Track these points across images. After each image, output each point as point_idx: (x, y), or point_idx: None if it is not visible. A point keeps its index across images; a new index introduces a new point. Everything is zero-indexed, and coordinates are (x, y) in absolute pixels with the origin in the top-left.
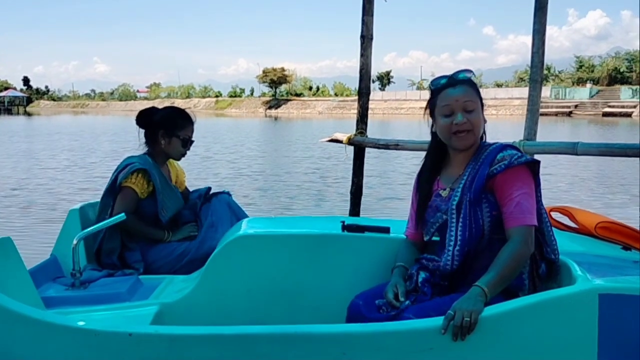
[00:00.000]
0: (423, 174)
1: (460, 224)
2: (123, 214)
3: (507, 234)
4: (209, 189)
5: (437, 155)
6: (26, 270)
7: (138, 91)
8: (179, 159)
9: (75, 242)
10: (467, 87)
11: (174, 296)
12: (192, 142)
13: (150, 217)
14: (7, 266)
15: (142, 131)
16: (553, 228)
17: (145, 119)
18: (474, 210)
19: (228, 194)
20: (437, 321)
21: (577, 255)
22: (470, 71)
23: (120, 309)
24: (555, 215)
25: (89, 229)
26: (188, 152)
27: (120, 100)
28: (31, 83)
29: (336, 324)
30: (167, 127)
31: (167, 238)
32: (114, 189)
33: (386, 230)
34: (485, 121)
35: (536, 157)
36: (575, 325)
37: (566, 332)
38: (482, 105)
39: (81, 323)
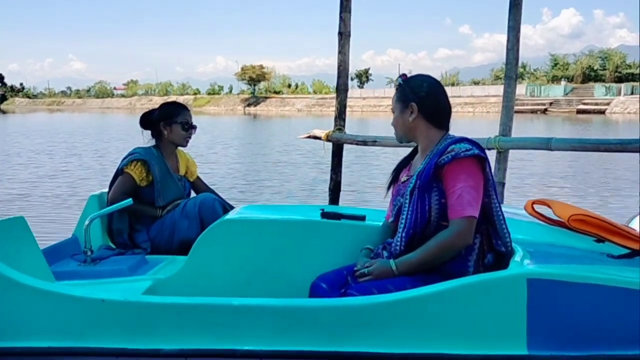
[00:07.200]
0: (399, 163)
1: (410, 208)
2: (130, 199)
3: (449, 224)
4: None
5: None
6: (38, 246)
7: (115, 88)
8: (184, 145)
9: (87, 222)
10: (396, 93)
11: (166, 273)
12: (194, 126)
13: (150, 204)
14: (20, 243)
15: (147, 132)
16: (535, 219)
17: (146, 119)
18: (422, 196)
19: (219, 200)
20: (374, 299)
21: (547, 246)
22: (401, 76)
23: (119, 282)
24: (539, 208)
25: (99, 212)
26: (192, 136)
27: (97, 97)
28: (5, 80)
29: (282, 299)
30: (165, 118)
31: (160, 214)
32: (116, 174)
33: (362, 218)
34: (409, 122)
35: (512, 152)
36: (505, 308)
37: (496, 314)
38: (408, 107)
39: (64, 290)
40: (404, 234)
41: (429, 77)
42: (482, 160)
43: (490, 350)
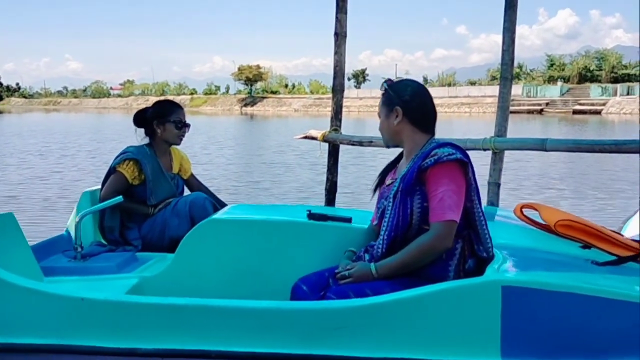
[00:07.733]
0: (385, 166)
1: (392, 211)
2: (120, 196)
3: (430, 228)
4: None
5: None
6: (26, 242)
7: (111, 88)
8: (178, 143)
9: (77, 219)
10: (381, 97)
11: (154, 271)
12: (187, 125)
13: (142, 202)
14: (8, 239)
15: (141, 130)
16: (523, 223)
17: (140, 117)
18: (405, 199)
19: (210, 199)
20: (349, 303)
21: (530, 252)
22: (386, 80)
23: (106, 280)
24: (528, 212)
25: (90, 209)
26: (186, 134)
27: (93, 97)
28: (1, 80)
29: (257, 301)
30: (158, 116)
31: (152, 212)
32: (109, 172)
33: (348, 220)
34: (394, 125)
35: (509, 153)
36: (479, 315)
37: (471, 320)
38: (393, 111)
39: (45, 287)
40: (385, 237)
41: (413, 81)
42: (465, 165)
43: (464, 357)
